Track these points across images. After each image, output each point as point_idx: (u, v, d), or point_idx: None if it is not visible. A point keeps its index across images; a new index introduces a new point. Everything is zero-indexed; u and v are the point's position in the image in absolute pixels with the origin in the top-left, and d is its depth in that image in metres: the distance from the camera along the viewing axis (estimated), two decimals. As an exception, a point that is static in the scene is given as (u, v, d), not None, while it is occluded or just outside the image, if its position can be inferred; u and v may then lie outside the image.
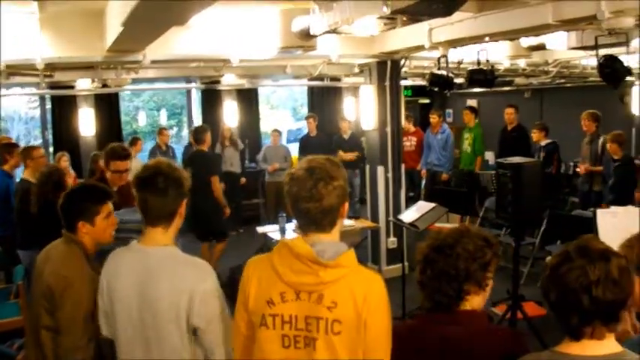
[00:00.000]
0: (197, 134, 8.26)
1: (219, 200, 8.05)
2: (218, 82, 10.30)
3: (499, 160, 6.13)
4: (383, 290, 2.25)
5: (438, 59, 6.98)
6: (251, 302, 2.28)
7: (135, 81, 9.57)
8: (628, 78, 10.83)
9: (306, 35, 5.41)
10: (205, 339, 2.57)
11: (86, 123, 11.18)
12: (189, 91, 13.84)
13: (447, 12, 4.21)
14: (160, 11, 3.95)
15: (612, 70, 5.77)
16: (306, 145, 11.54)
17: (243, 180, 11.57)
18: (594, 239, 2.00)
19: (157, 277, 2.54)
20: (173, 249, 2.66)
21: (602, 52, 5.97)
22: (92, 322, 2.92)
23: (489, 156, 12.39)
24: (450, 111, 16.13)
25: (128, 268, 2.63)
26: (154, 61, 6.47)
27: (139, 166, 2.76)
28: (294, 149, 12.18)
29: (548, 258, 1.99)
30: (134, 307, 2.58)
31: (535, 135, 9.53)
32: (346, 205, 2.30)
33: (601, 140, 8.66)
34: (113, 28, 4.89)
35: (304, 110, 14.88)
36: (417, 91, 14.99)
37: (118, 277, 2.64)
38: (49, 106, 11.74)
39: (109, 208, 3.28)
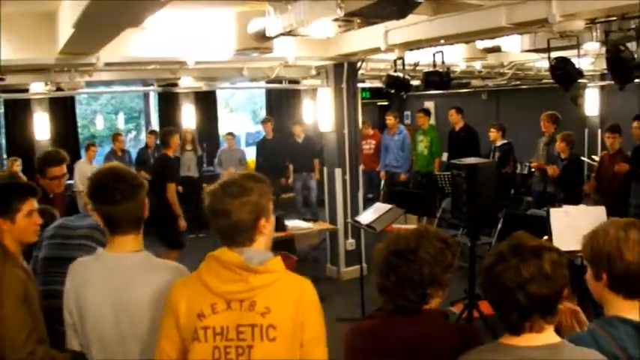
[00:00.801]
0: (163, 137, 8.13)
1: (173, 208, 7.82)
2: (175, 84, 10.22)
3: (453, 161, 6.18)
4: (314, 292, 2.26)
5: (395, 61, 7.03)
6: (182, 320, 2.22)
7: (91, 84, 9.44)
8: (581, 80, 11.13)
9: (262, 37, 5.38)
10: None
11: (41, 127, 11.01)
12: (146, 94, 13.71)
13: (401, 14, 4.24)
14: (112, 12, 3.88)
15: (564, 72, 5.87)
16: (263, 148, 11.60)
17: (204, 186, 11.48)
18: (526, 236, 2.04)
19: (133, 282, 2.49)
20: (146, 254, 2.61)
21: (555, 54, 6.07)
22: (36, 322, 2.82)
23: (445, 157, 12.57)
24: (407, 113, 16.27)
25: (99, 276, 2.54)
26: (108, 64, 6.38)
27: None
28: (253, 152, 12.15)
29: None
30: (109, 314, 2.51)
31: (492, 135, 9.65)
32: (264, 221, 2.26)
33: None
34: (65, 29, 4.81)
35: (264, 113, 14.85)
36: (375, 93, 15.07)
37: (88, 287, 2.55)
38: (1, 110, 11.53)
39: (31, 206, 3.09)
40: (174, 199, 7.83)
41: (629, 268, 2.11)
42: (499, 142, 9.56)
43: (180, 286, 2.29)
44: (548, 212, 5.08)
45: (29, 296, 2.87)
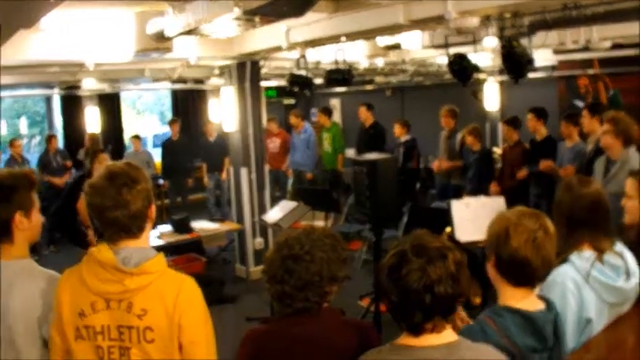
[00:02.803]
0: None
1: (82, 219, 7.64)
2: (78, 87, 9.92)
3: (355, 157, 6.25)
4: (195, 291, 2.22)
5: (297, 60, 7.04)
6: (65, 316, 2.18)
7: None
8: (481, 76, 11.48)
9: (162, 37, 5.29)
10: None
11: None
12: (49, 98, 13.30)
13: (299, 13, 4.25)
14: (2, 13, 3.72)
15: (461, 68, 6.05)
16: (169, 149, 11.43)
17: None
18: (427, 235, 2.02)
19: (11, 290, 2.40)
20: (27, 261, 2.52)
21: (454, 50, 6.23)
22: None
23: (352, 154, 12.68)
24: (314, 110, 16.32)
25: None
26: (6, 67, 6.13)
27: None
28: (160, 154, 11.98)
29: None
30: None
31: (397, 130, 9.81)
32: (153, 207, 2.27)
33: (459, 135, 9.02)
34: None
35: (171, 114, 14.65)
36: (281, 91, 15.05)
37: None
38: None
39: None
40: (82, 209, 7.66)
41: (515, 255, 2.17)
42: (403, 138, 9.72)
43: (64, 282, 2.24)
44: (449, 205, 5.19)
45: None
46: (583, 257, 2.56)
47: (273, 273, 2.26)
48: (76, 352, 2.17)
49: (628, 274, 2.58)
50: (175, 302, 2.13)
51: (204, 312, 2.23)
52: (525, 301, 2.24)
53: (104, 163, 7.74)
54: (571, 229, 2.63)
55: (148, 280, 2.13)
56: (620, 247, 2.67)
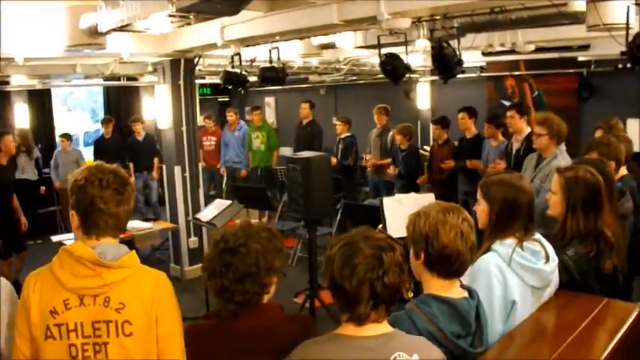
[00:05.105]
0: None
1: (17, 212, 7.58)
2: (7, 82, 9.64)
3: (289, 155, 6.31)
4: (170, 287, 2.29)
5: (232, 57, 7.04)
6: (34, 316, 2.16)
7: None
8: (413, 75, 11.69)
9: (95, 33, 5.21)
10: None
11: None
12: (-25, 94, 12.87)
13: (233, 11, 4.26)
14: None
15: (393, 67, 6.15)
16: (101, 147, 11.23)
17: (42, 188, 10.95)
18: (372, 230, 2.14)
19: None
20: None
21: (386, 50, 6.33)
22: None
23: (287, 151, 12.73)
24: (248, 108, 16.28)
25: None
26: None
27: None
28: (91, 152, 11.77)
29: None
30: None
31: (339, 128, 9.94)
32: None
33: (390, 133, 9.20)
34: None
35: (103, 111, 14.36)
36: (215, 89, 14.96)
37: None
38: None
39: None
40: (18, 207, 7.65)
41: (444, 250, 2.28)
42: (343, 135, 9.85)
43: (32, 281, 2.22)
44: (381, 201, 5.29)
45: None
46: (505, 244, 2.69)
47: (213, 268, 2.31)
48: (45, 351, 2.15)
49: (547, 259, 2.73)
50: (153, 295, 2.19)
51: (177, 306, 2.30)
52: (450, 290, 2.35)
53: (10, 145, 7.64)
54: (505, 220, 2.76)
55: (125, 274, 2.17)
56: (538, 235, 2.81)
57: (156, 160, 10.74)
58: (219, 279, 2.28)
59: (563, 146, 5.13)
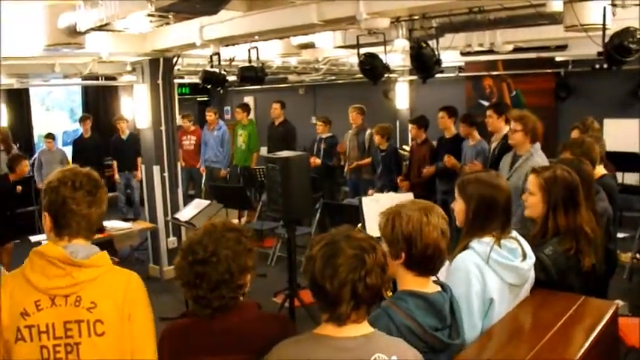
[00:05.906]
0: None
1: None
2: (-16, 82, 9.53)
3: (268, 155, 6.30)
4: (141, 285, 2.29)
5: (211, 57, 7.03)
6: (4, 319, 2.14)
7: None
8: (392, 75, 11.73)
9: (73, 32, 5.19)
10: None
11: None
12: (-47, 93, 12.74)
13: (212, 11, 4.27)
14: None
15: (371, 67, 6.18)
16: (81, 147, 11.16)
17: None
18: (353, 229, 2.13)
19: None
20: None
21: (365, 50, 6.35)
22: None
23: (265, 151, 12.73)
24: (227, 108, 16.27)
25: None
26: None
27: None
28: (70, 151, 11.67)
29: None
30: None
31: (319, 128, 9.94)
32: None
33: (367, 132, 9.23)
34: None
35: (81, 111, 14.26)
36: (194, 89, 14.93)
37: None
38: None
39: None
40: None
41: (427, 250, 2.30)
42: (325, 135, 9.85)
43: (3, 287, 2.20)
44: (360, 201, 5.30)
45: None
46: (483, 243, 2.70)
47: (186, 279, 2.27)
48: (17, 354, 2.14)
49: (524, 256, 2.74)
50: (125, 293, 2.19)
51: (149, 306, 2.29)
52: (426, 286, 2.38)
53: None
54: (483, 218, 2.77)
55: (96, 272, 2.18)
56: (514, 232, 2.84)
57: (139, 159, 10.68)
58: (194, 289, 2.25)
59: (538, 145, 5.16)
